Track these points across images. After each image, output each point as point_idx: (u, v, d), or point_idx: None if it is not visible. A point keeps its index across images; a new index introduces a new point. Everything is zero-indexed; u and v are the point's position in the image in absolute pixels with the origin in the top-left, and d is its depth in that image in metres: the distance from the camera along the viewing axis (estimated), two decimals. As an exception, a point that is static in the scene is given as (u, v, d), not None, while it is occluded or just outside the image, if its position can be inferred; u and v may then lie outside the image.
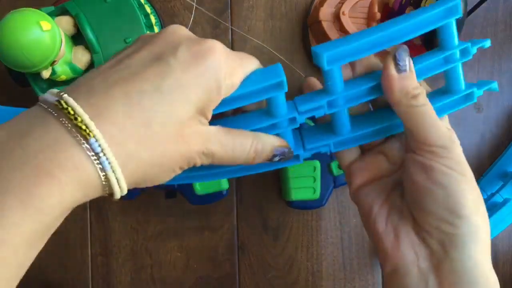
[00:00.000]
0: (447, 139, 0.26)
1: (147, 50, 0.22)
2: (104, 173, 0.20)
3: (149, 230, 0.45)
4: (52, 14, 0.38)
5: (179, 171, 0.23)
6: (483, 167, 0.46)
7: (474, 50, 0.27)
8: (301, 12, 0.45)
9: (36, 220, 0.19)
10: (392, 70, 0.26)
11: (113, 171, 0.20)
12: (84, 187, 0.20)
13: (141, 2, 0.40)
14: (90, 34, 0.37)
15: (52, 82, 0.39)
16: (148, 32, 0.39)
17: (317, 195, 0.41)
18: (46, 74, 0.36)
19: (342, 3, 0.40)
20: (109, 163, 0.20)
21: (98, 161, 0.19)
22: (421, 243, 0.27)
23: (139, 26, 0.38)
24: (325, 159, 0.41)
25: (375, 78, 0.27)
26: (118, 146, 0.20)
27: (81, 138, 0.19)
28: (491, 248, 0.27)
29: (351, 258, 0.45)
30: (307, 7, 0.44)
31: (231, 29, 0.45)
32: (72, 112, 0.19)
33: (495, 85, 0.28)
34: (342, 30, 0.40)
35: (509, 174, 0.43)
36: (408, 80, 0.26)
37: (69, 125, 0.19)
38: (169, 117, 0.21)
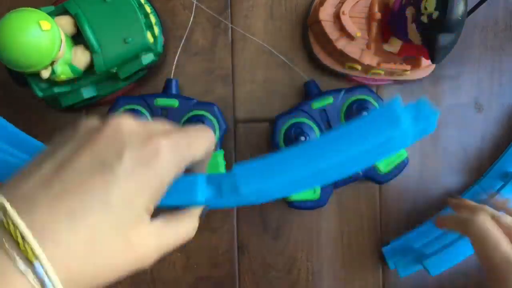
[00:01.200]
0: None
1: (90, 153, 0.20)
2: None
3: (149, 230, 0.45)
4: (52, 14, 0.38)
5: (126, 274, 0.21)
6: (483, 167, 0.46)
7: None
8: (301, 11, 0.45)
9: None
10: None
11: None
12: None
13: (141, 2, 0.40)
14: (89, 34, 0.37)
15: (52, 82, 0.39)
16: (148, 32, 0.39)
17: (317, 195, 0.41)
18: (45, 74, 0.36)
19: (342, 3, 0.40)
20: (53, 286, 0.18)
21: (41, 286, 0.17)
22: None
23: (139, 25, 0.38)
24: None
25: None
26: (62, 267, 0.18)
27: (25, 264, 0.17)
28: None
29: (351, 258, 0.45)
30: (307, 7, 0.44)
31: (231, 28, 0.45)
32: (14, 230, 0.18)
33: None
34: (342, 30, 0.40)
35: (509, 174, 0.43)
36: None
37: (12, 247, 0.17)
38: (116, 230, 0.20)
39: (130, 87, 0.43)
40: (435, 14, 0.33)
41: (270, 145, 0.44)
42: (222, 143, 0.42)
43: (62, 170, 0.20)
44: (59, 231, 0.18)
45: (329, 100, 0.41)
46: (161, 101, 0.41)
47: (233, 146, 0.45)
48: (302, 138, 0.40)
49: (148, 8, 0.40)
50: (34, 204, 0.19)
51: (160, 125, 0.23)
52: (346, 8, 0.39)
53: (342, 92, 0.42)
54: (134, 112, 0.40)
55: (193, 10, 0.44)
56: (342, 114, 0.42)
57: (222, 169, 0.41)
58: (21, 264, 0.17)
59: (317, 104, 0.41)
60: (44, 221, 0.18)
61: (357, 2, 0.40)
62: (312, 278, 0.45)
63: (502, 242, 0.32)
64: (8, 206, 0.18)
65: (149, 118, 0.41)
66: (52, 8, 0.38)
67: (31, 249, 0.17)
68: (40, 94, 0.38)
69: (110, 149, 0.21)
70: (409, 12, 0.36)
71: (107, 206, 0.19)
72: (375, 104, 0.41)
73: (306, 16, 0.44)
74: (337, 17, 0.40)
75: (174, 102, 0.41)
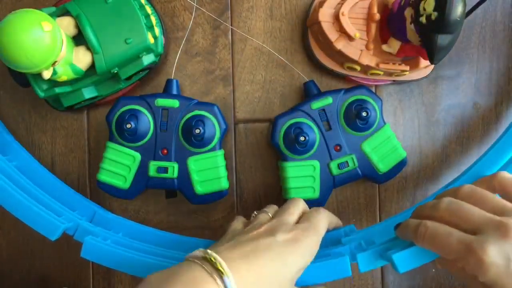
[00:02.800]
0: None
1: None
2: None
3: (150, 230, 0.45)
4: (53, 15, 0.38)
5: None
6: (482, 167, 0.46)
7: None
8: (301, 13, 0.45)
9: None
10: None
11: None
12: None
13: (141, 3, 0.40)
14: (91, 35, 0.38)
15: (53, 83, 0.39)
16: (149, 33, 0.39)
17: (316, 194, 0.41)
18: (47, 74, 0.36)
19: (342, 4, 0.40)
20: None
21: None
22: None
23: (139, 26, 0.39)
24: (325, 158, 0.42)
25: None
26: (239, 284, 0.27)
27: (217, 277, 0.27)
28: None
29: (351, 258, 0.46)
30: (307, 8, 0.44)
31: (231, 30, 0.45)
32: (214, 260, 0.28)
33: None
34: (342, 30, 0.40)
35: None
36: None
37: (212, 270, 0.27)
38: (276, 277, 0.29)
39: (130, 88, 0.43)
40: (434, 15, 0.33)
41: (270, 145, 0.44)
42: (222, 143, 0.43)
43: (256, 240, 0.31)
44: (239, 265, 0.28)
45: (329, 100, 0.42)
46: (162, 102, 0.41)
47: (233, 146, 0.45)
48: (302, 138, 0.40)
49: (148, 9, 0.40)
50: (227, 254, 0.29)
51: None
52: (345, 9, 0.39)
53: (342, 93, 0.42)
54: (135, 112, 0.41)
55: (194, 11, 0.44)
56: (341, 114, 0.42)
57: (222, 169, 0.42)
58: (217, 278, 0.27)
59: (316, 104, 0.42)
60: (233, 260, 0.28)
61: (356, 3, 0.40)
62: (311, 277, 0.45)
63: (452, 236, 0.29)
64: (209, 251, 0.29)
65: (149, 118, 0.41)
66: (53, 9, 0.39)
67: (223, 269, 0.27)
68: (41, 94, 0.39)
69: (278, 226, 0.32)
70: (408, 12, 0.37)
71: (280, 262, 0.30)
72: (374, 104, 0.41)
73: (306, 17, 0.44)
74: (336, 18, 0.40)
75: (175, 103, 0.41)
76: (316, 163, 0.41)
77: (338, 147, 0.42)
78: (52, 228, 0.36)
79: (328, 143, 0.42)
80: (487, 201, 0.31)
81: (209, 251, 0.29)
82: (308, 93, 0.43)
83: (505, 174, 0.33)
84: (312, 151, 0.41)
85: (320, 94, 0.42)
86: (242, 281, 0.28)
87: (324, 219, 0.34)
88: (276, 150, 0.43)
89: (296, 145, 0.40)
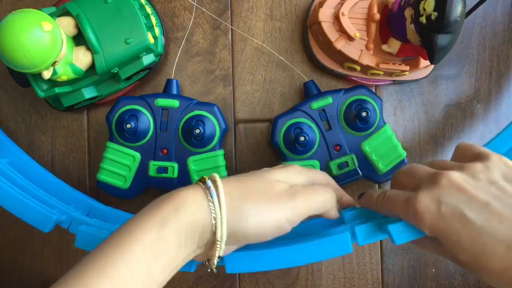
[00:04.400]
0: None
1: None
2: (213, 210, 0.28)
3: (150, 230, 0.45)
4: (53, 15, 0.38)
5: (271, 230, 0.29)
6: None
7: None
8: (301, 13, 0.45)
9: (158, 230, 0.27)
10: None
11: (220, 208, 0.28)
12: (193, 208, 0.28)
13: (141, 3, 0.40)
14: (91, 35, 0.38)
15: (53, 83, 0.39)
16: (149, 33, 0.39)
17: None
18: (47, 74, 0.36)
19: (342, 4, 0.40)
20: (219, 203, 0.28)
21: (211, 199, 0.28)
22: None
23: (139, 26, 0.39)
24: (325, 158, 0.42)
25: None
26: (227, 197, 0.28)
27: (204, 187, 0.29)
28: None
29: (351, 258, 0.46)
30: (307, 8, 0.44)
31: (231, 30, 0.45)
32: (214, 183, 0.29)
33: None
34: (342, 30, 0.40)
35: None
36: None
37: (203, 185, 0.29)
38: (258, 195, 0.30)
39: (130, 88, 0.43)
40: (434, 15, 0.33)
41: (270, 145, 0.44)
42: (222, 143, 0.43)
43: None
44: (228, 181, 0.30)
45: (329, 100, 0.42)
46: (162, 101, 0.41)
47: (233, 146, 0.45)
48: (302, 138, 0.40)
49: (148, 9, 0.40)
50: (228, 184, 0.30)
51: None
52: (345, 9, 0.39)
53: (341, 93, 0.42)
54: (135, 112, 0.41)
55: (194, 11, 0.44)
56: (341, 114, 0.42)
57: (222, 169, 0.42)
58: (202, 184, 0.29)
59: (316, 104, 0.42)
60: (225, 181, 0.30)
61: (356, 3, 0.40)
62: (311, 277, 0.45)
63: (399, 196, 0.29)
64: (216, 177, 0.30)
65: (149, 118, 0.41)
66: (53, 9, 0.39)
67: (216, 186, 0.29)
68: (41, 94, 0.39)
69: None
70: (408, 12, 0.37)
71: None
72: (374, 104, 0.41)
73: (306, 17, 0.44)
74: (336, 18, 0.40)
75: (175, 103, 0.41)
76: (316, 163, 0.41)
77: (338, 147, 0.42)
78: (43, 219, 0.35)
79: (328, 143, 0.42)
80: (438, 163, 0.32)
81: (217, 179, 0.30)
82: (308, 93, 0.43)
83: (464, 143, 0.34)
84: (312, 151, 0.41)
85: (320, 94, 0.42)
86: (227, 190, 0.29)
87: (327, 196, 0.32)
88: (276, 150, 0.43)
89: (296, 145, 0.40)
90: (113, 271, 0.25)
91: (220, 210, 0.28)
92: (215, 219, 0.28)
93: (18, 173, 0.39)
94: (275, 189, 0.30)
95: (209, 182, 0.29)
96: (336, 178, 0.42)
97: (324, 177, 0.34)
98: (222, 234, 0.28)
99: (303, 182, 0.32)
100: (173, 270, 0.28)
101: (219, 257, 0.29)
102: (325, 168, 0.42)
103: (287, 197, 0.30)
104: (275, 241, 0.31)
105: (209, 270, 0.30)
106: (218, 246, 0.28)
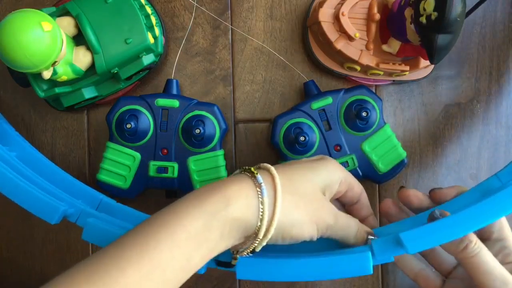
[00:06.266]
0: (500, 283, 0.30)
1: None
2: (262, 212, 0.28)
3: (150, 230, 0.45)
4: (53, 15, 0.38)
5: (307, 235, 0.30)
6: (483, 168, 0.46)
7: None
8: (301, 13, 0.45)
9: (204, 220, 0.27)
10: None
11: (274, 201, 0.29)
12: (243, 207, 0.28)
13: (141, 3, 0.40)
14: (91, 35, 0.38)
15: (53, 83, 0.39)
16: (149, 33, 0.39)
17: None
18: (47, 74, 0.36)
19: (342, 4, 0.40)
20: (270, 196, 0.29)
21: (260, 191, 0.29)
22: None
23: (139, 26, 0.39)
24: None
25: None
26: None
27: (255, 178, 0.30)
28: None
29: (351, 258, 0.46)
30: (307, 8, 0.44)
31: (231, 30, 0.45)
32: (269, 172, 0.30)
33: None
34: (342, 30, 0.40)
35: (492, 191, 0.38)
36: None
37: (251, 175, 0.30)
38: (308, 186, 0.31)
39: (130, 88, 0.43)
40: (434, 15, 0.33)
41: (270, 145, 0.44)
42: (222, 143, 0.43)
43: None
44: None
45: (329, 100, 0.42)
46: (162, 102, 0.41)
47: (233, 146, 0.45)
48: (302, 138, 0.40)
49: (148, 9, 0.40)
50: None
51: None
52: (345, 9, 0.39)
53: (342, 93, 0.42)
54: (135, 112, 0.41)
55: (194, 11, 0.44)
56: (341, 114, 0.42)
57: (222, 169, 0.42)
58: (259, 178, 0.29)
59: (316, 105, 0.42)
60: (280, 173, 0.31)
61: (356, 3, 0.40)
62: (311, 277, 0.45)
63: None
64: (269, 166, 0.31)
65: (149, 118, 0.41)
66: (53, 9, 0.39)
67: (270, 173, 0.30)
68: (41, 94, 0.39)
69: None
70: (408, 12, 0.37)
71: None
72: (374, 104, 0.41)
73: (306, 17, 0.44)
74: (336, 18, 0.40)
75: (175, 103, 0.41)
76: None
77: (338, 147, 0.42)
78: (50, 210, 0.34)
79: (328, 143, 0.42)
80: None
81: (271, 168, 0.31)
82: (308, 93, 0.43)
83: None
84: (312, 151, 0.41)
85: (320, 94, 0.42)
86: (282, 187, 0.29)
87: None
88: (276, 150, 0.43)
89: (296, 145, 0.40)
90: (155, 252, 0.25)
91: (273, 217, 0.28)
92: (261, 221, 0.28)
93: (27, 167, 0.39)
94: (323, 208, 0.31)
95: (259, 178, 0.29)
96: None
97: (358, 188, 0.36)
98: (266, 236, 0.29)
99: (342, 190, 0.34)
100: (208, 259, 0.28)
101: (252, 251, 0.30)
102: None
103: (330, 218, 0.31)
104: (291, 248, 0.31)
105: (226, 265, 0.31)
106: (256, 243, 0.29)
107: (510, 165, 0.39)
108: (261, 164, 0.31)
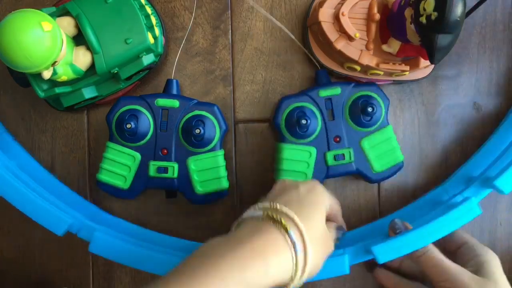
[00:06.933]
0: (449, 275, 0.35)
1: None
2: (295, 259, 0.30)
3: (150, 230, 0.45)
4: (53, 15, 0.38)
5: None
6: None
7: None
8: (301, 12, 0.45)
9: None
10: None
11: (304, 254, 0.30)
12: (280, 269, 0.29)
13: (141, 3, 0.40)
14: (91, 35, 0.38)
15: (53, 83, 0.39)
16: (149, 33, 0.39)
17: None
18: (47, 74, 0.36)
19: (342, 4, 0.40)
20: (301, 250, 0.30)
21: (294, 249, 0.30)
22: None
23: (139, 26, 0.39)
24: (323, 147, 0.42)
25: None
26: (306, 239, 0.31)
27: (285, 232, 0.30)
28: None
29: (351, 258, 0.46)
30: (307, 8, 0.44)
31: (231, 30, 0.45)
32: (287, 218, 0.31)
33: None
34: (342, 30, 0.40)
35: (473, 179, 0.41)
36: None
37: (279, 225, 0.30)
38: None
39: (130, 88, 0.43)
40: (434, 15, 0.33)
41: (270, 145, 0.44)
42: (222, 143, 0.43)
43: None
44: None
45: (337, 90, 0.42)
46: (162, 102, 0.41)
47: (233, 146, 0.45)
48: (303, 121, 0.40)
49: (148, 9, 0.40)
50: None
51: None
52: (345, 9, 0.39)
53: (351, 86, 0.42)
54: (135, 112, 0.41)
55: (194, 11, 0.44)
56: (347, 106, 0.42)
57: (222, 169, 0.42)
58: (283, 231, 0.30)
59: (324, 93, 0.42)
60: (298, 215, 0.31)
61: (356, 3, 0.40)
62: (311, 277, 0.45)
63: None
64: (284, 208, 0.32)
65: (149, 118, 0.41)
66: (53, 9, 0.39)
67: (298, 228, 0.31)
68: (41, 94, 0.39)
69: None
70: (408, 12, 0.37)
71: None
72: (381, 102, 0.42)
73: (306, 17, 0.44)
74: (336, 18, 0.40)
75: (175, 103, 0.41)
76: (313, 150, 0.41)
77: (338, 139, 0.42)
78: (58, 223, 0.36)
79: (329, 132, 0.42)
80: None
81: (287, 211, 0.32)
82: (319, 81, 0.43)
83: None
84: (311, 137, 0.41)
85: (330, 84, 0.42)
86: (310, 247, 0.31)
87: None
88: (275, 132, 0.43)
89: (297, 127, 0.40)
90: None
91: (304, 270, 0.30)
92: (294, 273, 0.30)
93: (28, 176, 0.40)
94: (331, 246, 0.34)
95: (293, 236, 0.30)
96: (330, 169, 0.42)
97: (337, 205, 0.38)
98: (295, 285, 0.30)
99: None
100: None
101: None
102: (321, 157, 0.42)
103: (332, 249, 0.35)
104: None
105: None
106: None
107: (455, 177, 0.44)
108: (279, 207, 0.32)
